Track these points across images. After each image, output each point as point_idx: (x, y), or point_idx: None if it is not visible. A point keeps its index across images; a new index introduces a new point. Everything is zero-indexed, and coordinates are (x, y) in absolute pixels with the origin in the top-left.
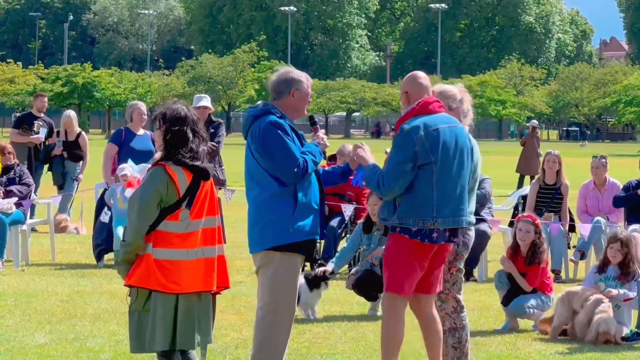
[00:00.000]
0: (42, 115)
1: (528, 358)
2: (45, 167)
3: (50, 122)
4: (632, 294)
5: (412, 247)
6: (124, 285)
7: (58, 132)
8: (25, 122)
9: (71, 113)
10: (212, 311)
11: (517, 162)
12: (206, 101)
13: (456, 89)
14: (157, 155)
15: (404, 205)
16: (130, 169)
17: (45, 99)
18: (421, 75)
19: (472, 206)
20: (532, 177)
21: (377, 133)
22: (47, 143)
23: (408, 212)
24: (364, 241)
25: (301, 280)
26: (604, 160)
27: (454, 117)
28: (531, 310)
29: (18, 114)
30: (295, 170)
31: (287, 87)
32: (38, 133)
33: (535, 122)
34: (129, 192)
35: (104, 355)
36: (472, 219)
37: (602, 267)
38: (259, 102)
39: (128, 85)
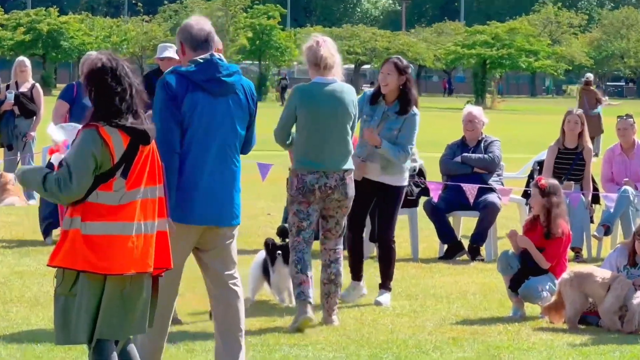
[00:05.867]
0: None
1: (532, 349)
2: None
3: None
4: None
5: None
6: (47, 265)
7: (8, 85)
8: None
9: (24, 60)
10: (149, 296)
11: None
12: (172, 51)
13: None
14: (88, 114)
15: None
16: (55, 132)
17: None
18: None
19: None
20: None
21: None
22: None
23: None
24: (366, 110)
25: (263, 255)
26: (631, 120)
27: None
28: (545, 294)
29: None
30: None
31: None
32: None
33: (590, 75)
34: (54, 158)
35: (39, 347)
36: None
37: (632, 258)
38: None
39: (101, 33)
